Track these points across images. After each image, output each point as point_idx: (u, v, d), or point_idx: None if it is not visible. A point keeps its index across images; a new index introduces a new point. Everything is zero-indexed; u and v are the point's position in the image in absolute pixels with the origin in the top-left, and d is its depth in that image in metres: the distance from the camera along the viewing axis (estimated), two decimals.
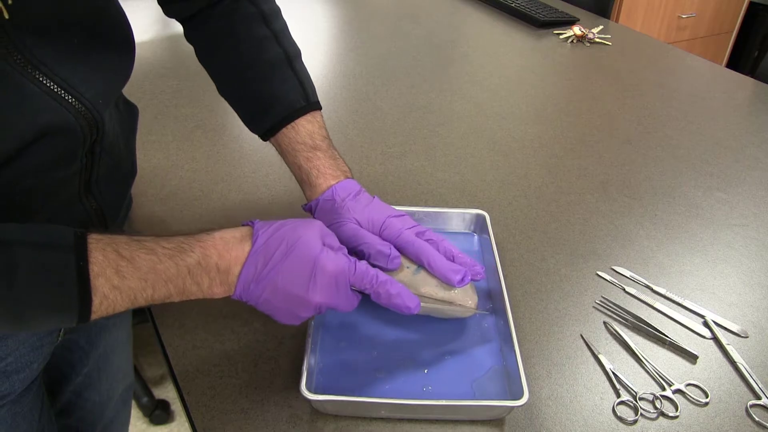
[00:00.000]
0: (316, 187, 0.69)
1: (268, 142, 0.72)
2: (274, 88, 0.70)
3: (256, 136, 0.72)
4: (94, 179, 0.59)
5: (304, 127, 0.70)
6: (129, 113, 0.70)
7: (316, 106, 0.71)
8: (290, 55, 0.71)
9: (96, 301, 0.45)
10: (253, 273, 0.53)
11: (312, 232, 0.56)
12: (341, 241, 0.66)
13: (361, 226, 0.66)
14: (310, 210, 0.70)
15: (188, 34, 0.74)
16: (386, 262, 0.63)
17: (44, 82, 0.48)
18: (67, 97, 0.50)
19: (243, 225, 0.56)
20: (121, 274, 0.46)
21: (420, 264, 0.66)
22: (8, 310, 0.44)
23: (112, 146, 0.60)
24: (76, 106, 0.51)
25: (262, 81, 0.70)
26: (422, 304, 0.64)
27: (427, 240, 0.66)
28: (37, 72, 0.48)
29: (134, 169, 0.72)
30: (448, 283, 0.64)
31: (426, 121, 1.14)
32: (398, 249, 0.66)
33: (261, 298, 0.54)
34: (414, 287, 0.64)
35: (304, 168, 0.69)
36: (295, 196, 0.80)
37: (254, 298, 0.54)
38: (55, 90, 0.49)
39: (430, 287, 0.65)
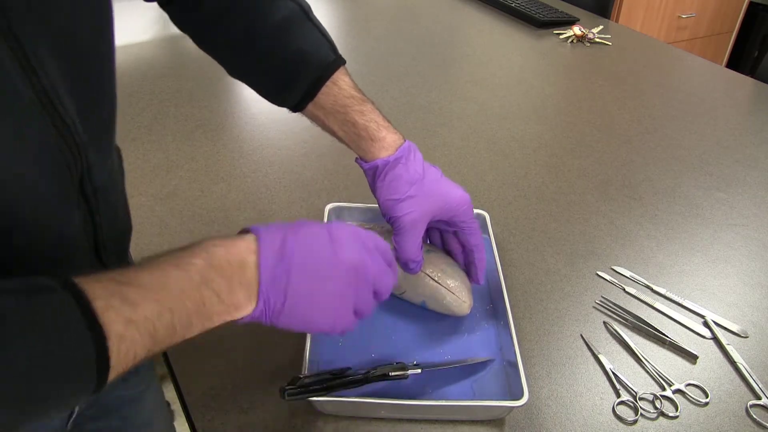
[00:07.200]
0: (380, 141, 0.62)
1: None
2: (300, 46, 0.61)
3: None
4: (101, 240, 0.50)
5: (344, 80, 0.62)
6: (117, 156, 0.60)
7: (341, 58, 0.64)
8: (304, 7, 0.63)
9: (114, 344, 0.35)
10: (273, 250, 0.45)
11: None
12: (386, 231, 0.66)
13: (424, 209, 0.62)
14: (374, 168, 0.62)
15: (182, 18, 0.64)
16: (408, 270, 0.65)
17: None
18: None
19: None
20: (129, 302, 0.37)
21: (470, 248, 0.68)
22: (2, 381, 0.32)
23: (107, 191, 0.51)
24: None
25: (283, 43, 0.62)
26: (422, 283, 0.68)
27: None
28: None
29: (130, 222, 0.62)
30: (468, 277, 0.69)
31: (426, 121, 1.14)
32: (453, 229, 0.68)
33: (291, 282, 0.45)
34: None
35: (360, 123, 0.62)
36: (295, 196, 0.80)
37: (283, 287, 0.44)
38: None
39: (435, 269, 0.67)
